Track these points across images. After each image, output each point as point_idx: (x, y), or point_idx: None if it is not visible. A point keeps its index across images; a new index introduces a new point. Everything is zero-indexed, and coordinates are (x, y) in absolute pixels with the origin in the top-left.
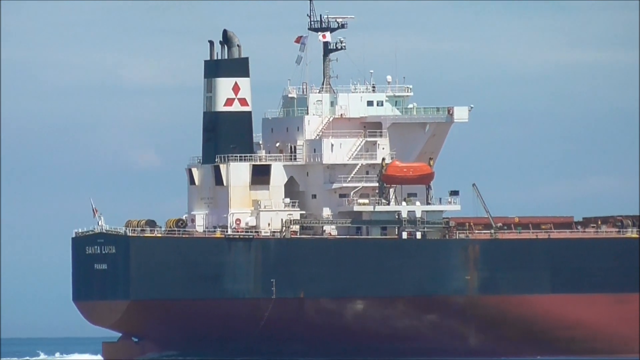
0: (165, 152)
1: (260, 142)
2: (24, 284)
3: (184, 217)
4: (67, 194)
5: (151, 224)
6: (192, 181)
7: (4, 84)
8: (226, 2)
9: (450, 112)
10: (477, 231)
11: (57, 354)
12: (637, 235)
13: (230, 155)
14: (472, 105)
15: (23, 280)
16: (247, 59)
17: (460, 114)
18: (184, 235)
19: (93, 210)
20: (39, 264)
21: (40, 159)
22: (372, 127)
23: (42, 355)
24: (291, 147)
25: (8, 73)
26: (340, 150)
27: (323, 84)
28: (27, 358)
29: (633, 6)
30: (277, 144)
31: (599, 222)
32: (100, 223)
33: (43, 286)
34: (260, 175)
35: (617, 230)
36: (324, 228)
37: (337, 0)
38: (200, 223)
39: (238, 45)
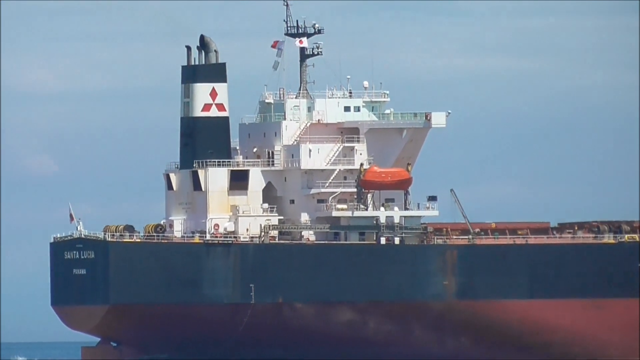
0: (140, 157)
1: (237, 148)
2: (2, 288)
3: (162, 223)
4: (44, 200)
5: (130, 229)
6: (169, 186)
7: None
8: (202, 6)
9: (428, 118)
10: (454, 237)
11: None
12: (614, 241)
13: (208, 160)
14: (449, 111)
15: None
16: (224, 64)
17: (438, 119)
18: (162, 241)
19: (70, 215)
20: (17, 269)
21: (21, 164)
22: (349, 132)
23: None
24: (269, 153)
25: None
26: (318, 156)
27: (300, 90)
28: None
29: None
30: (255, 149)
31: (576, 228)
32: (79, 228)
33: (21, 291)
34: (239, 181)
35: (594, 235)
36: (302, 233)
37: (315, 1)
38: (178, 228)
39: (215, 51)
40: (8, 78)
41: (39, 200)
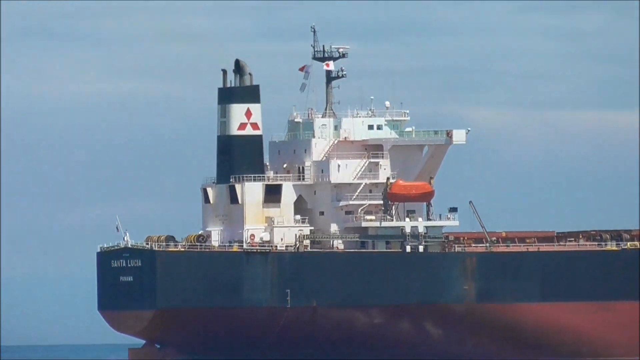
0: (175, 173)
1: (267, 163)
2: (52, 294)
3: (200, 233)
4: (87, 210)
5: (171, 239)
6: (206, 200)
7: None
8: (234, 34)
9: (449, 135)
10: (472, 245)
11: None
12: (617, 248)
13: (244, 175)
14: (469, 129)
15: (50, 291)
16: (258, 86)
17: (459, 136)
18: (205, 250)
19: (117, 226)
20: (65, 276)
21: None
22: (374, 149)
23: None
24: (299, 168)
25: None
26: (346, 170)
27: (326, 109)
28: None
29: None
30: (284, 165)
31: (580, 236)
32: (125, 239)
33: (66, 296)
34: (273, 194)
35: (597, 243)
36: (333, 242)
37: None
38: (215, 238)
39: (249, 74)
40: (51, 89)
41: (80, 210)
